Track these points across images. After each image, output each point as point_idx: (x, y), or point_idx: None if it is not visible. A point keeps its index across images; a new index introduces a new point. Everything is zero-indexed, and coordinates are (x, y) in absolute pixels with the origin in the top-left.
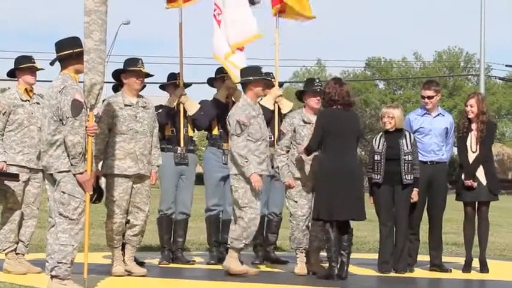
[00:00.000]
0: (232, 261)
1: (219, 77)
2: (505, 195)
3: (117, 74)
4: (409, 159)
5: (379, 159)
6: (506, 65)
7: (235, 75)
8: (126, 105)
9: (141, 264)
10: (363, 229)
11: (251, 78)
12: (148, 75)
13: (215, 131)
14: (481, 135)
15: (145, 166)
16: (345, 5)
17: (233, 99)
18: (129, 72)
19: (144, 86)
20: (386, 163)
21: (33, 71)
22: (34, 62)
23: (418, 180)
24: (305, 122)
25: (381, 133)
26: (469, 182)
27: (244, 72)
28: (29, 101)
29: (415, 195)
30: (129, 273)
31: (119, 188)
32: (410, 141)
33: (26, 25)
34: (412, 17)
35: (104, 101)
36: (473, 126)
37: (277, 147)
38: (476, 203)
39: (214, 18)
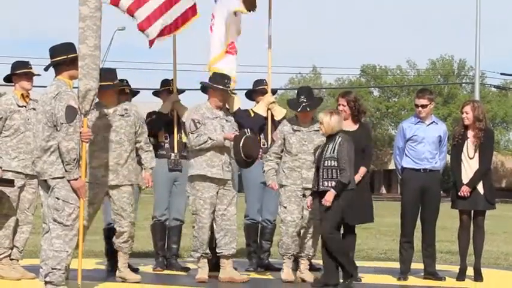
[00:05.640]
0: (199, 272)
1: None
2: (500, 203)
3: None
4: (328, 164)
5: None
6: (502, 73)
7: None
8: (102, 114)
9: (135, 270)
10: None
11: (211, 84)
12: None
13: None
14: (479, 142)
15: (120, 176)
16: (340, 13)
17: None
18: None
19: (137, 92)
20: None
21: (29, 76)
22: (31, 68)
23: (341, 186)
24: (294, 130)
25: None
26: (465, 193)
27: (211, 77)
28: (25, 106)
29: (328, 197)
30: (123, 280)
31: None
32: (337, 146)
33: (23, 31)
34: (406, 24)
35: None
36: (470, 133)
37: (267, 152)
38: (472, 211)
39: (210, 29)
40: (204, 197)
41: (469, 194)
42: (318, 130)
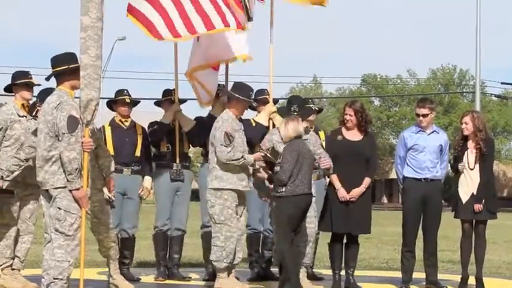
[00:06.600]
0: (222, 282)
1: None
2: (501, 212)
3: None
4: (276, 170)
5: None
6: (502, 83)
7: (201, 97)
8: None
9: (137, 280)
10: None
11: (236, 95)
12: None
13: None
14: (480, 152)
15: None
16: (341, 22)
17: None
18: None
19: (138, 102)
20: None
21: (30, 86)
22: (31, 78)
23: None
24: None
25: None
26: (478, 209)
27: (236, 86)
28: (25, 116)
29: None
30: None
31: None
32: (283, 151)
33: (23, 40)
34: (406, 33)
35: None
36: (470, 144)
37: None
38: (474, 221)
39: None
40: (233, 207)
41: (480, 209)
42: (306, 139)
